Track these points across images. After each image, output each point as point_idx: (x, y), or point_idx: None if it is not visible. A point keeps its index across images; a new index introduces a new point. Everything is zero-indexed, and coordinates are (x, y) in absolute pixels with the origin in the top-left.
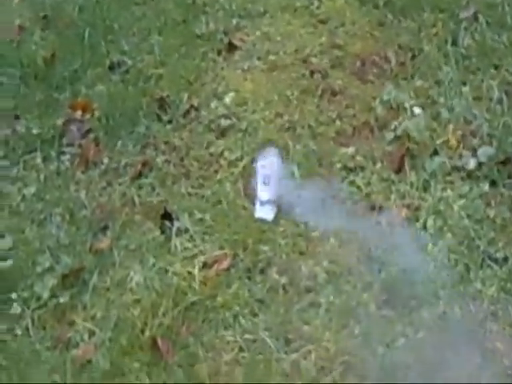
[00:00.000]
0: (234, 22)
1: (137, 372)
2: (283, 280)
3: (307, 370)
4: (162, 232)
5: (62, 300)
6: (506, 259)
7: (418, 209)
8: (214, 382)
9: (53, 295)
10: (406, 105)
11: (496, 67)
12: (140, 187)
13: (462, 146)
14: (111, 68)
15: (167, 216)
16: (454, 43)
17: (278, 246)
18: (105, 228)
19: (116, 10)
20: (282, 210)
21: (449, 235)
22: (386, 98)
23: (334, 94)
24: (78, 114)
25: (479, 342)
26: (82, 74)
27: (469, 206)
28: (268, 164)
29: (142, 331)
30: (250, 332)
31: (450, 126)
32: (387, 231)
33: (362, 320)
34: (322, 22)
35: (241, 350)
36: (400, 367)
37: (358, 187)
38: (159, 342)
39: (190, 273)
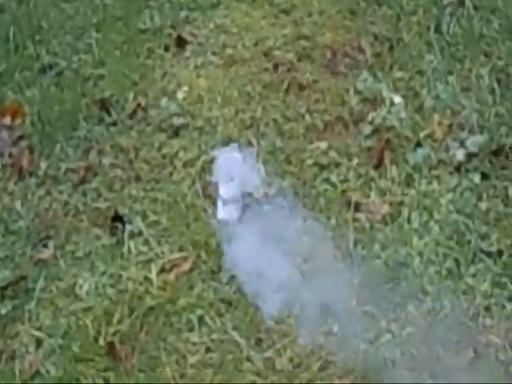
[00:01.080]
0: (183, 14)
1: (93, 378)
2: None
3: (282, 366)
4: (113, 235)
5: (3, 311)
6: (500, 253)
7: (400, 204)
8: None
9: None
10: (384, 94)
11: (486, 55)
12: (84, 193)
13: (448, 137)
14: (42, 71)
15: (118, 219)
16: (438, 31)
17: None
18: (46, 238)
19: (43, 8)
20: (246, 210)
21: (436, 230)
22: (360, 87)
23: (301, 88)
24: (7, 120)
25: (472, 337)
26: (8, 79)
27: (458, 200)
28: (229, 159)
29: (96, 339)
30: (218, 332)
31: (435, 117)
32: (366, 227)
33: (341, 317)
34: (285, 12)
35: (208, 350)
36: (385, 363)
37: (333, 185)
38: (117, 346)
39: (146, 278)
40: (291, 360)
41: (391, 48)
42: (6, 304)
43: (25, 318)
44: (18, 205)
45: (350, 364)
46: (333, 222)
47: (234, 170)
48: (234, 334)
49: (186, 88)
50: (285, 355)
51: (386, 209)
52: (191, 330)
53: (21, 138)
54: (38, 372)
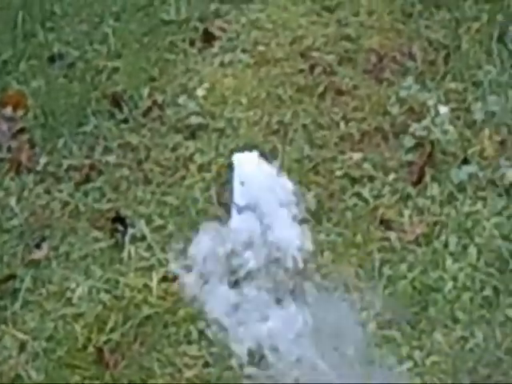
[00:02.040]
0: (213, 7)
1: None
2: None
3: None
4: (113, 238)
5: None
6: None
7: (438, 225)
8: None
9: None
10: (430, 103)
11: None
12: (86, 193)
13: (499, 156)
14: (51, 60)
15: (119, 220)
16: (501, 40)
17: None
18: (41, 238)
19: None
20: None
21: (474, 254)
22: (403, 95)
23: (339, 93)
24: (8, 110)
25: (503, 372)
26: (13, 67)
27: (504, 224)
28: (247, 160)
29: (85, 346)
30: (218, 345)
31: (486, 132)
32: (397, 246)
33: (357, 340)
34: (329, 9)
35: (206, 365)
36: None
37: (364, 200)
38: (106, 354)
39: (146, 285)
40: (296, 380)
41: (447, 56)
42: None
43: (9, 319)
44: (12, 201)
45: None
46: (359, 238)
47: (252, 171)
48: (236, 348)
49: (207, 85)
50: (289, 375)
51: (421, 229)
52: (190, 342)
53: (21, 130)
54: (18, 376)
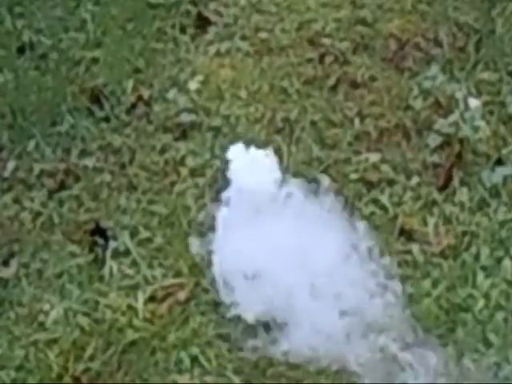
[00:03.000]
0: None
1: None
2: (264, 317)
3: None
4: (91, 252)
5: None
6: None
7: (468, 235)
8: None
9: None
10: (458, 95)
11: None
12: (61, 202)
13: None
14: (20, 51)
15: (99, 233)
16: None
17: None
18: (10, 255)
19: None
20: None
21: (510, 268)
22: (427, 86)
23: (354, 85)
24: None
25: None
26: None
27: None
28: (248, 164)
29: (61, 376)
30: (214, 375)
31: None
32: (420, 260)
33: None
34: None
35: None
36: None
37: (382, 207)
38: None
39: (130, 307)
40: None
41: (478, 42)
42: None
43: None
44: None
45: None
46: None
47: (253, 177)
48: (234, 378)
49: (200, 77)
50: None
51: (448, 240)
52: (181, 371)
53: None
54: None
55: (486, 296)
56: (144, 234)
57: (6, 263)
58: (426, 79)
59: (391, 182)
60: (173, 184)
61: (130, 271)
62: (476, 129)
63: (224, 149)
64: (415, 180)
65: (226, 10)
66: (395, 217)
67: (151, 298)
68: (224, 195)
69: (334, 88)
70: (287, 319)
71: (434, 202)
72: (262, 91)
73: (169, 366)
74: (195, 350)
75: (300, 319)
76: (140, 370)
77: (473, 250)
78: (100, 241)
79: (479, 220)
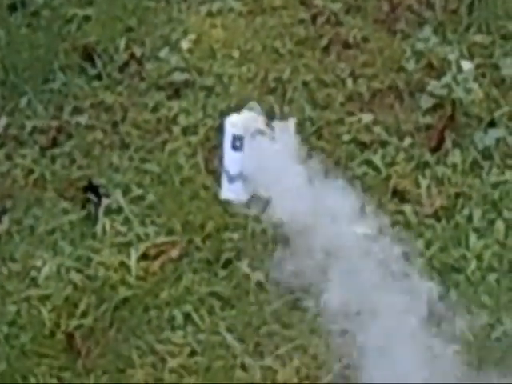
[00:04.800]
0: None
1: (44, 376)
2: (257, 276)
3: (286, 379)
4: (83, 208)
5: None
6: None
7: (460, 197)
8: None
9: None
10: (451, 58)
11: None
12: (53, 159)
13: None
14: (12, 8)
15: (92, 190)
16: None
17: (252, 234)
18: (2, 212)
19: None
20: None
21: (502, 230)
22: (420, 47)
23: (346, 46)
24: None
25: None
26: None
27: None
28: (242, 120)
29: (53, 332)
30: (207, 333)
31: None
32: (413, 221)
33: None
34: None
35: (193, 354)
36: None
37: (375, 168)
38: (77, 340)
39: (123, 264)
40: (297, 371)
41: (471, 4)
42: None
43: None
44: None
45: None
46: (368, 212)
47: (248, 132)
48: (227, 335)
49: (193, 37)
50: (289, 365)
51: (440, 201)
52: (174, 328)
53: None
54: None
55: (479, 257)
56: (136, 191)
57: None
58: (418, 41)
59: (384, 143)
60: (165, 142)
61: (123, 228)
62: (468, 91)
63: (216, 108)
64: (408, 141)
65: None
66: (388, 178)
67: (144, 256)
68: None
69: (326, 49)
70: None
71: (427, 164)
72: (254, 51)
73: (161, 324)
74: (188, 308)
75: None
76: (133, 327)
77: (465, 211)
78: (92, 198)
79: (472, 182)
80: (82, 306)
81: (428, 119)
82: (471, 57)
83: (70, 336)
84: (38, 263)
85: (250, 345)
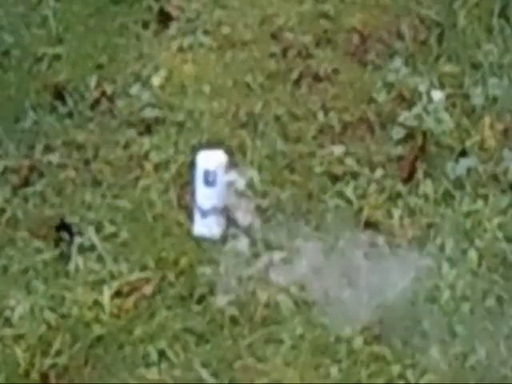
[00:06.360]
0: None
1: None
2: (231, 310)
3: None
4: (56, 247)
5: None
6: None
7: (432, 227)
8: None
9: None
10: (421, 88)
11: None
12: (25, 198)
13: (502, 147)
14: None
15: (65, 228)
16: (503, 15)
17: (225, 269)
18: None
19: None
20: (231, 225)
21: (475, 259)
22: (391, 79)
23: (317, 79)
24: None
25: None
26: None
27: (508, 225)
28: (212, 157)
29: (27, 372)
30: (182, 368)
31: (487, 120)
32: (385, 253)
33: (341, 358)
34: None
35: None
36: None
37: (347, 200)
38: (51, 379)
39: (96, 302)
40: None
41: (441, 34)
42: None
43: None
44: None
45: None
46: (341, 244)
47: (218, 169)
48: (202, 371)
49: (164, 73)
50: None
51: (413, 231)
52: (148, 365)
53: None
54: None
55: (452, 287)
56: (109, 229)
57: None
58: (389, 72)
59: (356, 175)
60: (137, 179)
61: (96, 266)
62: (439, 121)
63: (188, 144)
64: (379, 172)
65: (187, 5)
66: (360, 209)
67: (117, 293)
68: None
69: (297, 82)
70: None
71: (399, 195)
72: (225, 86)
73: (136, 360)
74: (162, 344)
75: None
76: (107, 365)
77: (438, 241)
78: (65, 236)
79: (444, 211)
80: (56, 345)
81: (399, 150)
82: (442, 87)
83: (44, 376)
84: (12, 303)
85: (224, 380)
